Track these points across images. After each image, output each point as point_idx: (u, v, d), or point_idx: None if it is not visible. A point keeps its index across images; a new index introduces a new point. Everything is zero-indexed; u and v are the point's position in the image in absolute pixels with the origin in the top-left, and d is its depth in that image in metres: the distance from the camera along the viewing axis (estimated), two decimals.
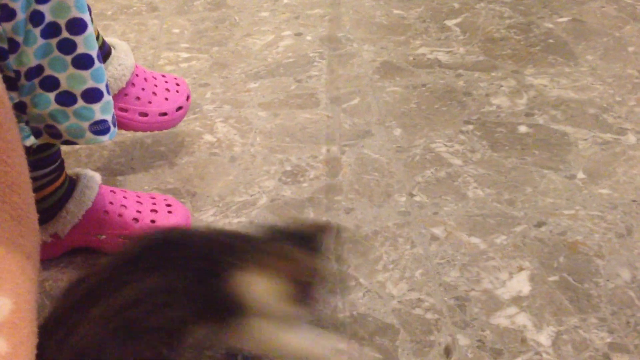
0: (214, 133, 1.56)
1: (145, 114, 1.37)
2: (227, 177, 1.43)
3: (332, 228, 0.95)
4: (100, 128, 1.09)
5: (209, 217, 1.33)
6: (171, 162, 1.47)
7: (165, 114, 1.40)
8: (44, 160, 1.15)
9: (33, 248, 0.86)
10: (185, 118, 1.59)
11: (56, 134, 1.08)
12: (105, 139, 1.10)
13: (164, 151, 1.51)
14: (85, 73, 1.04)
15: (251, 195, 1.38)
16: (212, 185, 1.41)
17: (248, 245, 0.89)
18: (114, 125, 1.12)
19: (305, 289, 0.87)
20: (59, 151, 1.19)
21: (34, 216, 0.89)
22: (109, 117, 1.09)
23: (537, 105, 1.59)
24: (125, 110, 1.35)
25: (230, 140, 1.54)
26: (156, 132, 1.55)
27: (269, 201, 1.36)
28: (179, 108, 1.41)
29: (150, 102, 1.36)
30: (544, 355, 1.03)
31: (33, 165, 0.92)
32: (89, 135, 1.08)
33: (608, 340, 1.04)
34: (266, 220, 1.31)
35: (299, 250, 0.87)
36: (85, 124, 1.07)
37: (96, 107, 1.07)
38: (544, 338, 1.06)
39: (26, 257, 0.85)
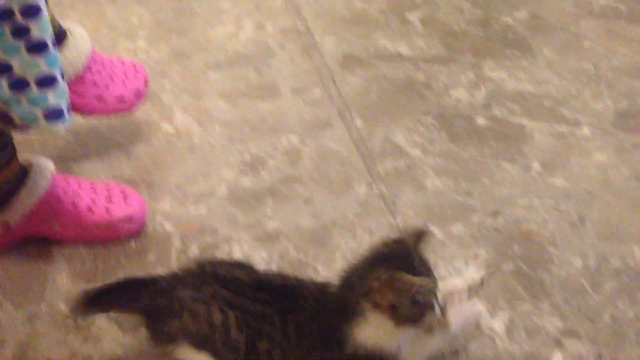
0: (172, 122, 1.54)
1: (102, 99, 1.35)
2: (185, 166, 1.42)
3: (421, 234, 0.95)
4: (54, 115, 1.06)
5: (165, 206, 1.31)
6: (128, 151, 1.45)
7: (122, 98, 1.38)
8: None
9: None
10: (143, 107, 1.57)
11: (9, 120, 1.05)
12: (60, 126, 1.08)
13: (120, 140, 1.48)
14: (39, 59, 1.01)
15: (210, 185, 1.37)
16: (169, 174, 1.39)
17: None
18: (69, 112, 1.10)
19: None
20: (10, 138, 1.16)
21: None
22: (63, 104, 1.07)
23: (495, 98, 1.60)
24: (82, 95, 1.33)
25: (189, 130, 1.52)
26: (113, 120, 1.53)
27: (228, 191, 1.35)
28: (137, 93, 1.40)
29: (107, 87, 1.34)
30: (497, 340, 1.04)
31: None
32: (42, 122, 1.06)
33: (560, 326, 1.06)
34: (225, 210, 1.30)
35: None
36: (39, 111, 1.05)
37: (50, 93, 1.04)
38: (497, 324, 1.07)
39: None
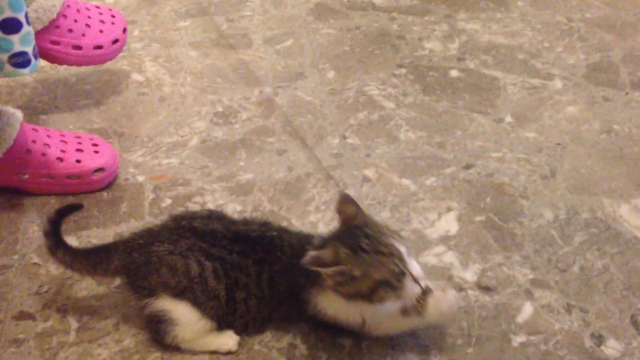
0: (142, 72, 1.51)
1: (79, 47, 1.32)
2: (156, 117, 1.39)
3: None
4: (19, 60, 1.04)
5: (137, 157, 1.29)
6: (97, 101, 1.42)
7: (100, 47, 1.35)
8: None
9: None
10: None
11: None
12: (25, 71, 1.05)
13: (89, 90, 1.45)
14: (3, 2, 0.98)
15: (182, 137, 1.35)
16: (140, 125, 1.37)
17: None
18: (35, 58, 1.06)
19: None
20: None
21: None
22: (29, 49, 1.04)
23: (468, 50, 1.60)
24: (58, 44, 1.29)
25: (160, 79, 1.49)
26: (81, 69, 1.49)
27: (200, 142, 1.34)
28: (115, 41, 1.36)
29: (83, 35, 1.31)
30: (470, 291, 1.06)
31: None
32: (8, 67, 1.03)
33: (530, 276, 1.08)
34: (198, 161, 1.29)
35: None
36: (4, 56, 1.02)
37: (15, 38, 1.01)
38: (469, 275, 1.09)
39: None
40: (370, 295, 0.88)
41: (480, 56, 1.58)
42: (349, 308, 0.91)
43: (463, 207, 1.20)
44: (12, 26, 1.00)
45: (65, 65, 1.36)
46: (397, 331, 0.97)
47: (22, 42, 1.02)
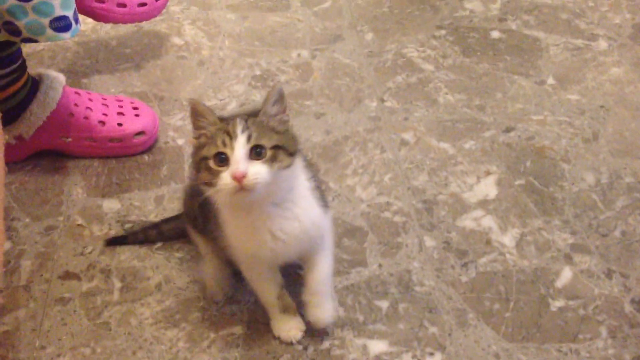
0: (181, 35, 1.52)
1: (123, 5, 1.34)
2: (195, 81, 1.40)
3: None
4: (61, 24, 1.05)
5: (177, 121, 1.31)
6: (138, 64, 1.43)
7: (144, 4, 1.36)
8: (5, 59, 1.11)
9: None
10: (152, 20, 1.54)
11: (15, 31, 1.03)
12: (66, 36, 1.06)
13: (129, 53, 1.46)
14: None
15: (220, 100, 1.36)
16: (180, 89, 1.38)
17: None
18: (76, 22, 1.08)
19: None
20: (19, 50, 1.14)
21: None
22: (69, 13, 1.05)
23: (510, 10, 1.56)
24: (103, 2, 1.31)
25: (198, 43, 1.50)
26: (121, 33, 1.51)
27: (239, 106, 1.34)
28: None
29: None
30: (508, 255, 1.06)
31: None
32: (49, 32, 1.05)
33: (570, 241, 1.07)
34: None
35: None
36: (45, 20, 1.03)
37: (56, 2, 1.03)
38: (508, 239, 1.08)
39: None
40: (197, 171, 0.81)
41: (522, 16, 1.54)
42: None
43: (502, 171, 1.19)
44: None
45: (107, 28, 1.37)
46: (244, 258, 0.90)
47: (63, 6, 1.03)
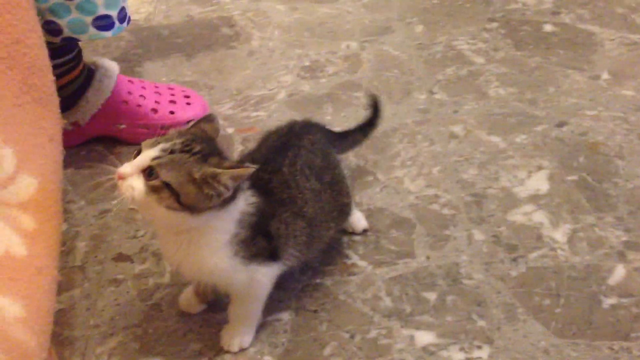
0: (231, 26, 1.53)
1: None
2: (244, 71, 1.41)
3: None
4: (103, 23, 1.06)
5: (227, 110, 1.32)
6: (189, 54, 1.45)
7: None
8: (61, 48, 1.14)
9: (56, 131, 0.87)
10: (202, 10, 1.56)
11: (56, 30, 1.05)
12: (107, 34, 1.07)
13: (181, 43, 1.48)
14: None
15: (269, 90, 1.37)
16: (230, 78, 1.39)
17: None
18: (121, 21, 1.09)
19: None
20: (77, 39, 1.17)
21: (55, 99, 0.89)
22: (114, 13, 1.06)
23: (564, 3, 1.54)
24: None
25: (248, 33, 1.51)
26: (173, 23, 1.53)
27: (287, 96, 1.35)
28: None
29: None
30: (559, 251, 1.04)
31: (50, 55, 0.91)
32: (91, 30, 1.05)
33: (624, 238, 1.05)
34: (285, 115, 1.30)
35: None
36: (88, 19, 1.04)
37: (99, 1, 1.04)
38: (559, 235, 1.06)
39: (49, 139, 0.85)
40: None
41: (576, 10, 1.51)
42: None
43: (554, 166, 1.17)
44: None
45: (160, 18, 1.39)
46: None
47: (107, 5, 1.04)
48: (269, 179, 0.90)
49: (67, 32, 1.05)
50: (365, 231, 1.07)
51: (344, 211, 1.00)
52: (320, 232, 0.95)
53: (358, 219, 1.08)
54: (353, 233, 1.07)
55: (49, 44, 0.90)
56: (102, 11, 1.04)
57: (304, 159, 0.93)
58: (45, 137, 0.85)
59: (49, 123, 0.87)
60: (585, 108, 1.28)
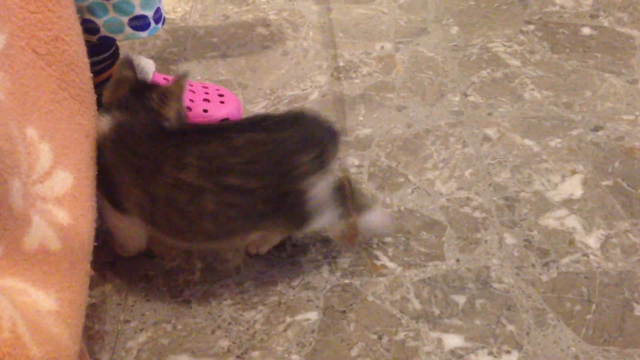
0: (266, 26, 1.54)
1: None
2: (278, 70, 1.42)
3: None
4: (139, 23, 1.07)
5: (260, 109, 1.33)
6: (224, 53, 1.47)
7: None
8: (99, 47, 1.16)
9: (92, 127, 0.88)
10: (238, 9, 1.57)
11: (93, 29, 1.06)
12: (144, 35, 1.09)
13: (216, 42, 1.50)
14: None
15: (303, 90, 1.37)
16: (263, 78, 1.40)
17: None
18: (157, 22, 1.10)
19: None
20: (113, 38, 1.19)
21: (92, 96, 0.91)
22: (150, 13, 1.08)
23: (603, 6, 1.51)
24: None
25: (283, 33, 1.51)
26: (209, 22, 1.54)
27: (321, 96, 1.35)
28: None
29: None
30: (592, 257, 1.03)
31: (88, 52, 0.92)
32: (127, 30, 1.07)
33: None
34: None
35: None
36: (125, 19, 1.06)
37: (136, 1, 1.05)
38: (592, 241, 1.05)
39: (85, 135, 0.87)
40: None
41: (615, 13, 1.49)
42: None
43: (589, 171, 1.16)
44: None
45: (196, 17, 1.40)
46: None
47: (143, 5, 1.05)
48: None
49: (103, 31, 1.07)
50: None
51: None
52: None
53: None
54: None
55: (86, 42, 0.91)
56: (138, 11, 1.06)
57: (208, 151, 0.90)
58: (81, 133, 0.87)
59: (86, 119, 0.88)
60: (622, 113, 1.26)
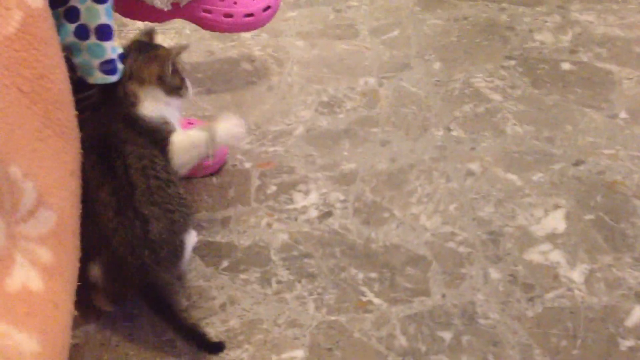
0: (251, 61, 1.55)
1: (230, 15, 1.37)
2: (263, 105, 1.43)
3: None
4: (109, 67, 1.06)
5: (245, 144, 1.33)
6: (209, 89, 1.47)
7: (251, 14, 1.39)
8: (83, 83, 1.15)
9: (76, 165, 0.88)
10: (223, 45, 1.58)
11: (71, 68, 1.06)
12: (114, 78, 1.08)
13: (201, 78, 1.50)
14: (100, 7, 1.01)
15: (287, 125, 1.38)
16: (248, 113, 1.41)
17: None
18: (120, 63, 1.10)
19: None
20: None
21: (76, 133, 0.91)
22: (116, 56, 1.08)
23: (581, 42, 1.54)
24: (210, 12, 1.36)
25: (268, 69, 1.53)
26: (194, 58, 1.55)
27: (305, 131, 1.36)
28: (267, 8, 1.39)
29: (235, 3, 1.37)
30: (576, 291, 1.03)
31: (73, 89, 0.92)
32: (97, 74, 1.06)
33: None
34: (302, 150, 1.31)
35: None
36: (96, 62, 1.05)
37: (107, 45, 1.04)
38: (577, 275, 1.06)
39: (70, 173, 0.87)
40: (181, 86, 1.14)
41: (594, 49, 1.52)
42: (167, 105, 1.10)
43: (572, 205, 1.17)
44: (105, 32, 1.02)
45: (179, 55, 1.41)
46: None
47: (114, 50, 1.06)
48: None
49: (79, 72, 1.06)
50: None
51: None
52: None
53: None
54: None
55: (71, 79, 0.91)
56: (108, 55, 1.05)
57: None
58: (66, 171, 0.87)
59: (70, 157, 0.88)
60: (603, 147, 1.28)
